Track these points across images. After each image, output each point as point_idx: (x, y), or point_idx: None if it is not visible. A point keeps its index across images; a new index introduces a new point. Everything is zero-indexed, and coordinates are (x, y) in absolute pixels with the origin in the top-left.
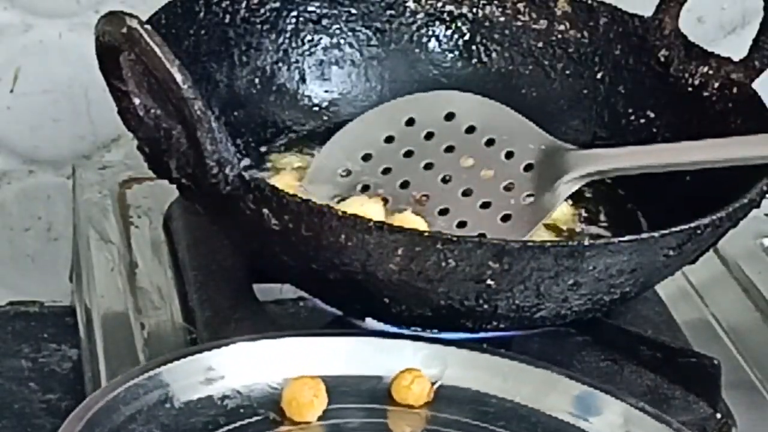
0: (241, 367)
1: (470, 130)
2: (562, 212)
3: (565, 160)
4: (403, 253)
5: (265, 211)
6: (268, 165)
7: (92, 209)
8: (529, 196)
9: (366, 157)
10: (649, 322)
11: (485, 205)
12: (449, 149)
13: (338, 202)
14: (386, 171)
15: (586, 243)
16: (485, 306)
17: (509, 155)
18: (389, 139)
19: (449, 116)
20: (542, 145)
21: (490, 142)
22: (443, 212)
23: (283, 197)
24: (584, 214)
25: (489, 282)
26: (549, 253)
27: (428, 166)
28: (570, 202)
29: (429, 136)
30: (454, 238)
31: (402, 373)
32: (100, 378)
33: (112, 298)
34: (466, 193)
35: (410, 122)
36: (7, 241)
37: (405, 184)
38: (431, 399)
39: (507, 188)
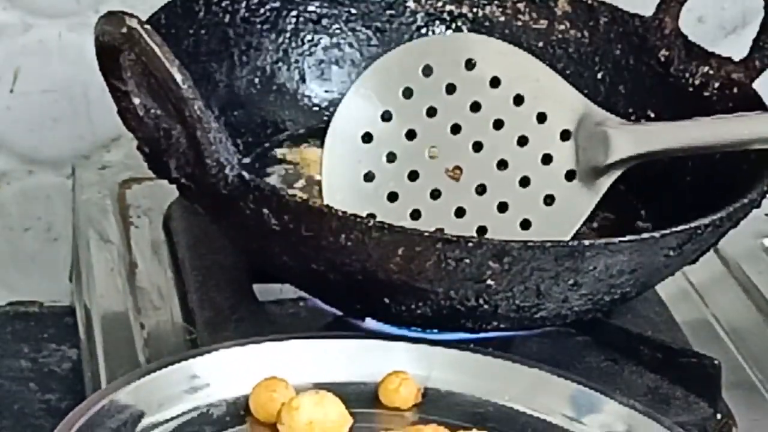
0: (224, 374)
1: (495, 83)
2: None
3: (609, 134)
4: (403, 253)
5: (265, 211)
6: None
7: (92, 209)
8: (569, 173)
9: (386, 117)
10: (650, 322)
11: (524, 183)
12: (475, 107)
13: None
14: (411, 135)
15: (586, 243)
16: (485, 306)
17: (542, 118)
18: (407, 93)
19: (469, 64)
20: (578, 111)
21: (518, 100)
22: (480, 190)
23: (283, 197)
24: None
25: (489, 282)
26: (549, 253)
27: (455, 130)
28: None
29: (450, 89)
30: (454, 238)
31: (389, 375)
32: (100, 378)
33: (111, 298)
34: (501, 166)
35: (427, 71)
36: (7, 241)
37: (433, 152)
38: (419, 401)
39: (545, 161)
